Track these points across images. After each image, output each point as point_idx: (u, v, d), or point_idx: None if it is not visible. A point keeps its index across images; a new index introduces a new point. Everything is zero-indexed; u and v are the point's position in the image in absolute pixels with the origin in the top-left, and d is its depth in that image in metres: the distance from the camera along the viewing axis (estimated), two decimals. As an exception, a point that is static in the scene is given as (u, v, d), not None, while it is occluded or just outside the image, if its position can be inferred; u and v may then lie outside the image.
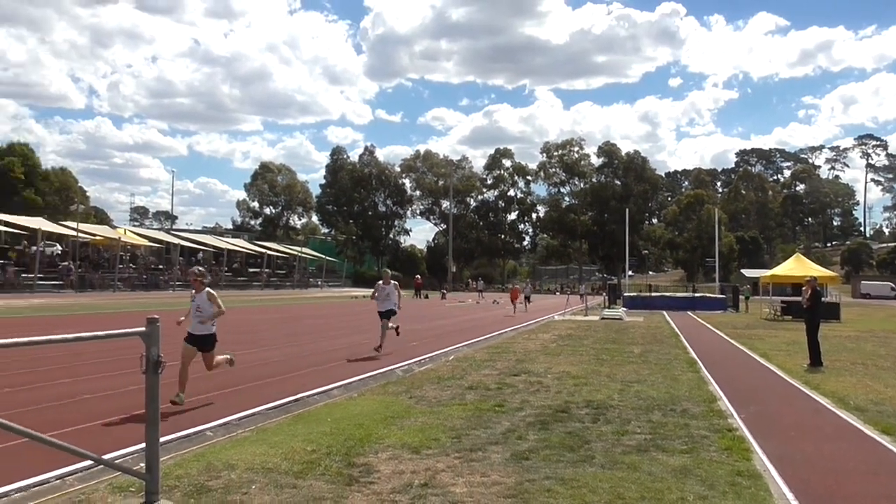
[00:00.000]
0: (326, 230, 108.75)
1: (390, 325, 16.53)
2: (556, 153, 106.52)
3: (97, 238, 58.26)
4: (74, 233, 53.63)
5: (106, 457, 5.79)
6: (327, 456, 6.95)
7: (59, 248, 56.77)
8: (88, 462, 5.95)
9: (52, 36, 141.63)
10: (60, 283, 48.60)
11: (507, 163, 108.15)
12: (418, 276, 70.14)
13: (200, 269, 10.55)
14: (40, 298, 39.30)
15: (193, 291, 9.99)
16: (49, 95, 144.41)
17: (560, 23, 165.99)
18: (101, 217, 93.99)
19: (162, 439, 5.71)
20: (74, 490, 5.91)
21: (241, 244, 75.52)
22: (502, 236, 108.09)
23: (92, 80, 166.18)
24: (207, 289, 9.95)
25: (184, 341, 9.77)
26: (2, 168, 75.59)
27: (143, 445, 5.64)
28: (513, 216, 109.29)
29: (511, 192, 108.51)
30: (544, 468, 6.70)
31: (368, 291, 19.13)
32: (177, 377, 9.35)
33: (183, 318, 10.00)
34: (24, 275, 46.28)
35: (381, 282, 17.04)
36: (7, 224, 49.28)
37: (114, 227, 70.14)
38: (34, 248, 49.46)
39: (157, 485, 5.55)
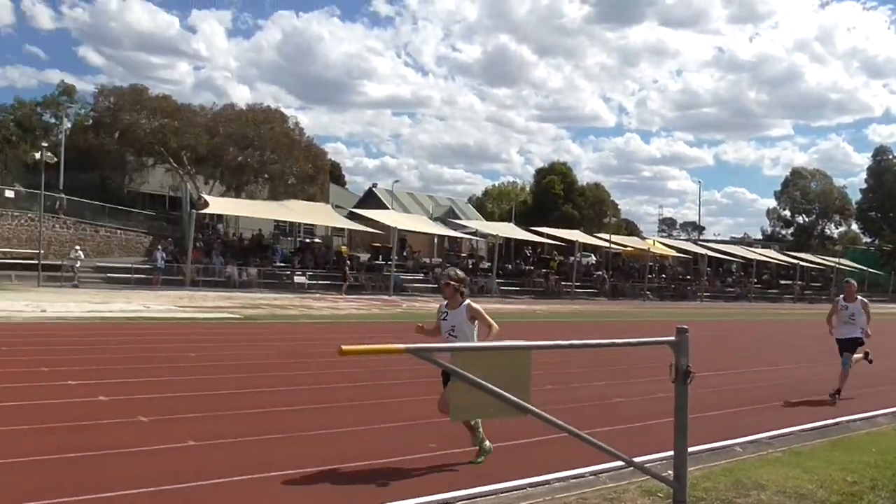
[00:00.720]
0: (868, 240, 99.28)
1: (856, 355, 11.82)
2: None
3: (627, 249, 61.11)
4: (607, 244, 56.96)
5: (636, 460, 5.95)
6: (871, 490, 6.25)
7: (594, 258, 60.93)
8: (619, 462, 6.18)
9: (584, 62, 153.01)
10: (595, 290, 51.98)
11: None
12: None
13: (457, 272, 7.29)
14: (578, 305, 42.48)
15: (445, 303, 7.15)
16: (583, 116, 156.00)
17: None
18: (630, 229, 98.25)
19: (690, 449, 5.67)
20: (606, 487, 6.20)
21: (771, 255, 72.72)
22: None
23: (621, 98, 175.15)
24: (469, 301, 7.03)
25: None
26: (544, 186, 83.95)
27: (671, 453, 5.67)
28: None
29: None
30: None
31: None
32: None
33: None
34: (563, 283, 50.56)
35: (841, 297, 12.41)
36: (549, 236, 54.33)
37: (643, 239, 72.85)
38: (572, 258, 53.74)
39: (684, 493, 5.52)
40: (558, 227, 58.99)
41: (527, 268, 53.16)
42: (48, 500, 5.31)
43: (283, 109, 59.20)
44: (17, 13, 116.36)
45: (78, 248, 36.04)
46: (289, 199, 48.82)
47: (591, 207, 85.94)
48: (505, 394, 4.85)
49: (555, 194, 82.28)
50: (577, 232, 57.32)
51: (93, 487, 5.62)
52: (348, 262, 42.99)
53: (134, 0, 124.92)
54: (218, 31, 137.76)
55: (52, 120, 61.71)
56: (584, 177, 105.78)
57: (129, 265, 37.73)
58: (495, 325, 6.89)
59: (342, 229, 50.95)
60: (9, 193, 41.13)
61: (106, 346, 14.94)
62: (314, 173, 55.85)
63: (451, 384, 4.78)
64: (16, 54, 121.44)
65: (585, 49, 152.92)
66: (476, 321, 6.93)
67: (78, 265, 34.68)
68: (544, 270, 52.56)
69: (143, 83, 56.64)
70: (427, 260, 51.81)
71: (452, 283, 7.02)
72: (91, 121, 55.10)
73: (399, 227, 44.77)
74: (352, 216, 51.98)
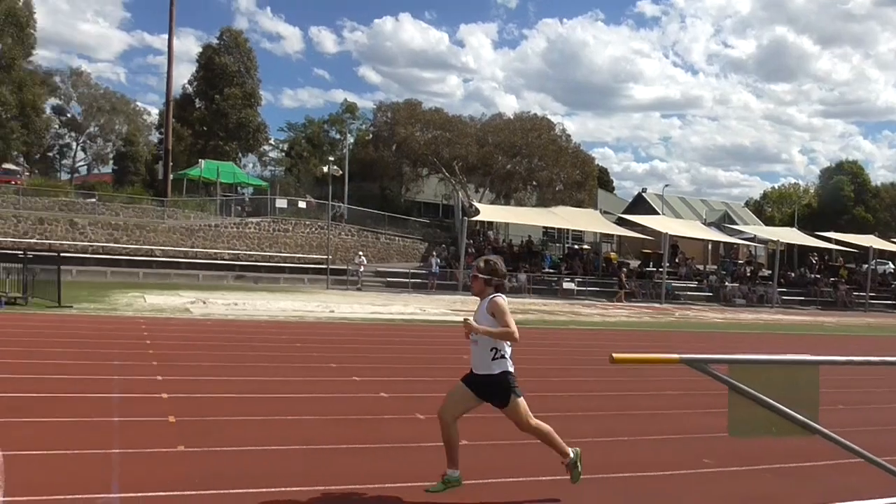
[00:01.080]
0: None
1: None
2: None
3: (932, 256, 55.20)
4: (907, 250, 51.73)
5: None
6: None
7: (892, 266, 55.47)
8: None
9: (875, 49, 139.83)
10: (893, 303, 47.34)
11: None
12: None
13: (488, 261, 5.86)
14: (872, 318, 38.86)
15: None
16: (875, 110, 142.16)
17: None
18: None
19: None
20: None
21: None
22: None
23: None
24: (495, 295, 5.69)
25: (460, 380, 5.95)
26: (832, 187, 77.89)
27: None
28: None
29: None
30: None
31: None
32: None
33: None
34: (855, 293, 46.48)
35: None
36: (838, 242, 50.29)
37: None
38: (865, 266, 49.29)
39: None
40: (848, 232, 54.60)
41: (812, 276, 49.50)
42: (332, 486, 5.67)
43: (549, 117, 60.05)
44: (305, 40, 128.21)
45: (361, 253, 38.80)
46: (557, 205, 49.27)
47: (888, 210, 78.37)
48: (789, 411, 4.51)
49: (844, 196, 76.05)
50: (870, 237, 52.65)
51: (372, 478, 5.92)
52: (624, 270, 42.51)
53: (407, 20, 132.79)
54: (485, 44, 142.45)
55: (337, 136, 67.37)
56: (877, 176, 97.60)
57: (407, 270, 39.94)
58: (515, 330, 5.51)
59: (611, 235, 50.48)
60: (301, 204, 45.41)
61: (387, 345, 15.89)
62: (582, 179, 55.87)
63: (729, 397, 4.51)
64: (306, 78, 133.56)
65: (877, 35, 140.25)
66: (495, 318, 5.56)
67: (361, 270, 37.33)
68: (832, 279, 48.74)
69: (417, 98, 59.86)
70: (701, 267, 49.93)
71: (481, 276, 5.70)
72: (371, 135, 59.41)
73: (670, 232, 43.57)
74: (621, 222, 51.38)
